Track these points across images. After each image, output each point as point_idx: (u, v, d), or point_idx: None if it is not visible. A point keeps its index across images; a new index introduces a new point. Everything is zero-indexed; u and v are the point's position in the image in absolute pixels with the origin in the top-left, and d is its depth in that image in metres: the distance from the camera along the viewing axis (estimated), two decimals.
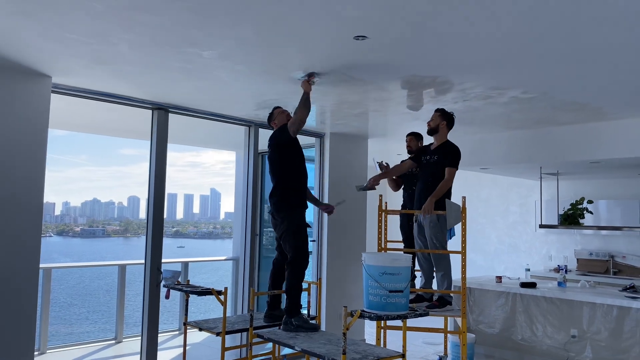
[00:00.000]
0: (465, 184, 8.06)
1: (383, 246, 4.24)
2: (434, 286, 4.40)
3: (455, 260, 4.25)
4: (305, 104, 3.76)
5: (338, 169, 6.23)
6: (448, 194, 4.52)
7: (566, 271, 6.65)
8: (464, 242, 4.05)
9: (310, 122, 5.66)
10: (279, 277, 4.02)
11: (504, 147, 6.10)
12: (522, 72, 3.65)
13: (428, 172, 4.45)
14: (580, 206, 6.16)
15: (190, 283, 3.86)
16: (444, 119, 4.42)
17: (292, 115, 4.16)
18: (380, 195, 4.30)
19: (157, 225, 4.77)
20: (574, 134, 5.46)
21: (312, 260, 6.16)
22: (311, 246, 6.22)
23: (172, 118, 4.93)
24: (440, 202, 4.15)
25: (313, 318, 4.29)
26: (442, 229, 4.26)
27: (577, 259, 7.82)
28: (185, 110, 4.98)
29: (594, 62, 3.37)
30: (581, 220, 6.23)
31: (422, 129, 5.08)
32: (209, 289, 3.69)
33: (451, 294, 4.26)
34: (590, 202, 6.42)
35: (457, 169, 4.34)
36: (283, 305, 4.02)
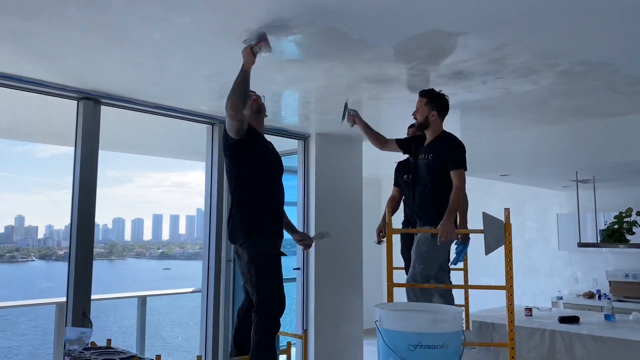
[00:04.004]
0: (470, 196, 6.88)
1: (392, 280, 3.00)
2: None
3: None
4: (238, 84, 2.56)
5: (326, 180, 5.01)
6: (465, 204, 3.44)
7: (608, 298, 5.47)
8: (509, 271, 2.83)
9: (291, 118, 4.45)
10: (245, 333, 2.74)
11: (531, 148, 4.94)
12: (589, 29, 2.51)
13: (423, 177, 3.30)
14: (628, 219, 5.01)
15: (110, 345, 2.59)
16: (433, 108, 3.23)
17: (260, 100, 2.97)
18: (389, 211, 3.05)
19: (82, 252, 3.51)
20: (627, 127, 4.33)
21: (294, 298, 4.90)
22: (296, 277, 4.97)
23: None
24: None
25: None
26: (437, 249, 3.17)
27: (610, 282, 6.63)
28: (121, 100, 3.75)
29: None
30: (628, 236, 5.07)
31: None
32: (132, 355, 2.42)
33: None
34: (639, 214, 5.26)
35: (466, 169, 3.18)
36: None
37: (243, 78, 2.55)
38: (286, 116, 4.39)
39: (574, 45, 2.76)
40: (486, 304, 5.40)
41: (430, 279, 3.20)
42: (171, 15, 2.38)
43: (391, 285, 2.91)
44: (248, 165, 2.77)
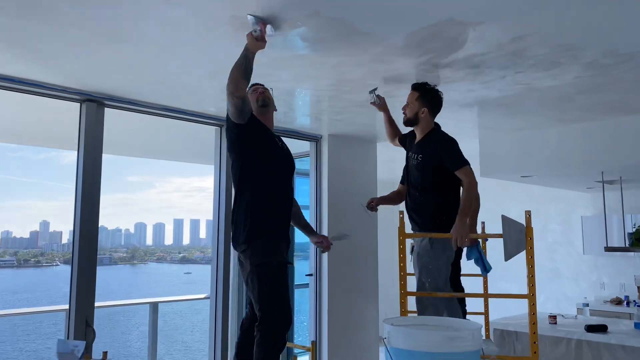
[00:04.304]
0: (490, 199, 6.64)
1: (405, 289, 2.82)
2: None
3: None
4: (238, 60, 2.40)
5: (340, 183, 4.84)
6: (476, 204, 3.26)
7: (638, 305, 5.19)
8: (532, 279, 2.63)
9: (302, 119, 4.30)
10: (248, 348, 2.52)
11: (554, 147, 4.71)
12: (616, 17, 2.31)
13: (414, 178, 3.11)
14: None
15: (105, 359, 2.45)
16: (424, 104, 3.02)
17: (267, 92, 2.81)
18: (401, 213, 2.87)
19: (85, 259, 3.40)
20: None
21: (306, 305, 4.73)
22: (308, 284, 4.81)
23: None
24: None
25: None
26: (440, 258, 2.96)
27: (639, 287, 6.33)
28: (125, 102, 3.64)
29: None
30: None
31: (450, 125, 3.71)
32: None
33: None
34: None
35: (469, 165, 2.97)
36: None
37: (244, 54, 2.38)
38: (297, 117, 4.23)
39: (599, 34, 2.56)
40: (508, 311, 5.16)
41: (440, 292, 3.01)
42: (165, 7, 2.25)
43: (405, 294, 2.73)
44: (252, 162, 2.59)
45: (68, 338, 3.31)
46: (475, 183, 2.93)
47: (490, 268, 3.16)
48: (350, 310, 4.74)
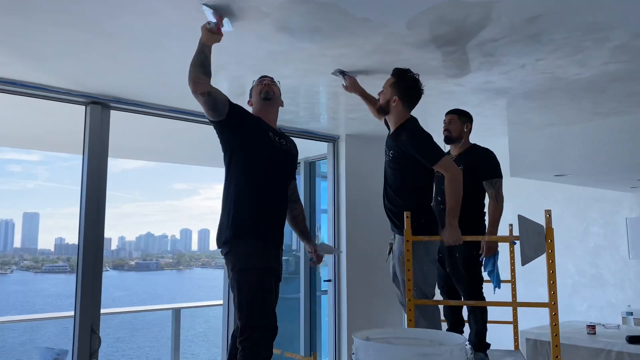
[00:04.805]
0: (526, 200, 6.25)
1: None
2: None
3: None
4: (194, 59, 2.25)
5: (358, 184, 4.64)
6: (497, 210, 3.08)
7: None
8: (552, 286, 2.37)
9: (317, 119, 4.14)
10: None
11: (588, 143, 4.37)
12: None
13: (387, 176, 2.88)
14: None
15: None
16: (395, 92, 2.75)
17: (274, 86, 2.62)
18: (408, 214, 2.64)
19: (90, 265, 3.33)
20: None
21: (325, 312, 4.56)
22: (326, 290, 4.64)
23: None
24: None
25: None
26: (423, 261, 2.69)
27: None
28: (131, 104, 3.57)
29: None
30: None
31: (477, 123, 3.46)
32: None
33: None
34: None
35: (446, 155, 2.71)
36: None
37: (199, 49, 2.24)
38: (311, 117, 4.07)
39: (628, 12, 2.28)
40: (545, 319, 4.82)
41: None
42: None
43: (412, 302, 2.51)
44: (238, 157, 2.40)
45: (74, 345, 3.25)
46: (458, 174, 2.64)
47: (499, 287, 2.92)
48: (370, 316, 4.53)
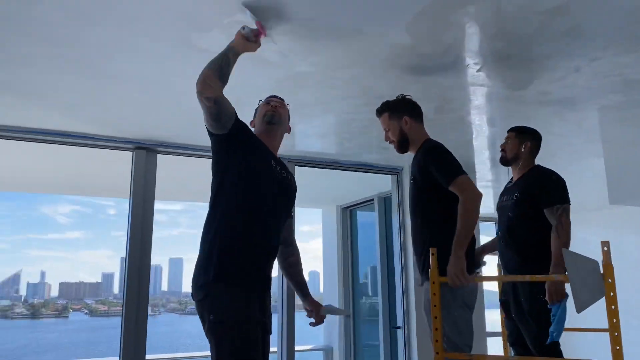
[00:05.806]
0: (613, 229, 5.24)
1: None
2: None
3: None
4: (214, 59, 1.95)
5: None
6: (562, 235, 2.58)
7: None
8: (617, 340, 1.83)
9: (368, 150, 3.86)
10: None
11: None
12: None
13: (410, 208, 2.53)
14: None
15: None
16: (399, 117, 2.49)
17: (281, 108, 2.26)
18: (433, 250, 2.24)
19: (133, 308, 3.31)
20: None
21: None
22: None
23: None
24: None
25: None
26: (452, 306, 2.23)
27: None
28: (176, 147, 3.60)
29: None
30: None
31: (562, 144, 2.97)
32: None
33: None
34: None
35: (465, 174, 2.26)
36: None
37: (224, 52, 1.95)
38: (360, 148, 3.79)
39: None
40: None
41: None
42: (134, 39, 2.09)
43: (441, 355, 2.10)
44: (230, 182, 2.02)
45: None
46: (476, 197, 2.21)
47: (556, 337, 2.36)
48: None
